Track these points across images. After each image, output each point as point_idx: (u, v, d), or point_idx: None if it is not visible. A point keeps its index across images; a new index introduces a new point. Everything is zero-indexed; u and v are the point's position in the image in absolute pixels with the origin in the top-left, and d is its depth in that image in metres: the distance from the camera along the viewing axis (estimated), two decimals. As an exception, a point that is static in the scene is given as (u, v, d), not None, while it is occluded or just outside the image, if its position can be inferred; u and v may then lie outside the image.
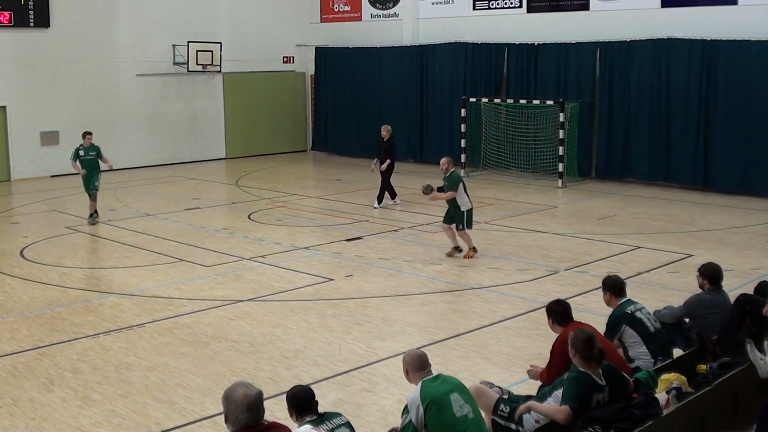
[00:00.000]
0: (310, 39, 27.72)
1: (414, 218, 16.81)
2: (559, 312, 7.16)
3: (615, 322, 7.49)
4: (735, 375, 6.65)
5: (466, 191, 13.56)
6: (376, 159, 18.50)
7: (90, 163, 16.61)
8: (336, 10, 27.38)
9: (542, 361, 7.41)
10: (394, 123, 20.54)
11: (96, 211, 16.84)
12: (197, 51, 24.67)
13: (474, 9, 23.94)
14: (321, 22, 27.75)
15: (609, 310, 7.68)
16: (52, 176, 22.65)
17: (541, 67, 22.30)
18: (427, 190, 14.29)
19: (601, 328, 7.31)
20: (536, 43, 22.32)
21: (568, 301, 7.57)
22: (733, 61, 18.95)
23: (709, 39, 19.31)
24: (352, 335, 10.06)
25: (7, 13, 21.88)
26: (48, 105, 22.81)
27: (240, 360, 9.30)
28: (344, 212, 17.67)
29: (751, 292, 8.11)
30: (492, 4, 23.48)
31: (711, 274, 8.07)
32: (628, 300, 7.65)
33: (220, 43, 25.18)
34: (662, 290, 11.51)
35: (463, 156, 22.50)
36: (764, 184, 18.78)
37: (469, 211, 13.53)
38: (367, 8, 26.53)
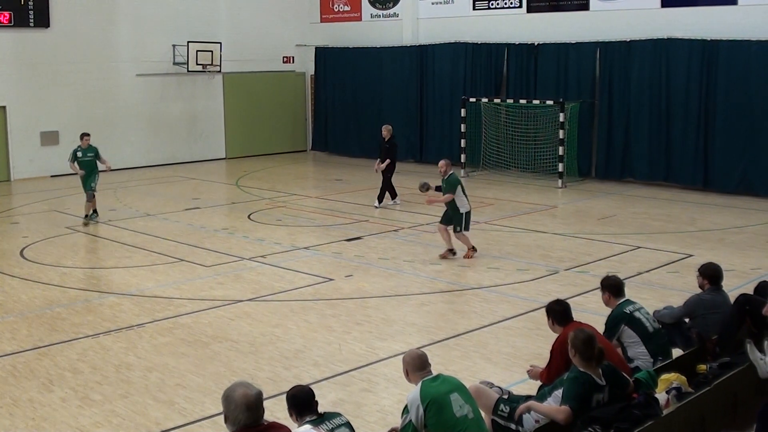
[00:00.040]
0: (310, 39, 27.72)
1: (414, 218, 16.81)
2: (558, 312, 7.16)
3: (614, 323, 7.49)
4: (735, 375, 6.65)
5: (464, 193, 13.55)
6: (378, 159, 18.47)
7: (88, 165, 16.57)
8: (336, 10, 27.38)
9: (542, 361, 7.41)
10: (394, 123, 20.54)
11: (96, 211, 16.84)
12: (197, 51, 24.67)
13: (474, 9, 23.94)
14: (321, 22, 27.76)
15: (609, 310, 7.68)
16: (52, 176, 22.65)
17: (541, 67, 22.30)
18: (424, 187, 14.30)
19: (600, 328, 7.31)
20: (536, 43, 22.32)
21: (567, 301, 7.57)
22: (733, 61, 18.95)
23: (709, 39, 19.31)
24: (352, 335, 10.06)
25: (7, 13, 21.88)
26: (48, 105, 22.81)
27: (240, 360, 9.30)
28: (344, 212, 17.67)
29: (751, 292, 8.11)
30: (492, 4, 23.49)
31: (711, 274, 8.07)
32: (627, 300, 7.64)
33: (220, 43, 25.18)
34: (662, 290, 11.52)
35: (463, 156, 22.51)
36: (764, 184, 18.78)
37: (468, 214, 13.53)
38: (367, 8, 26.53)
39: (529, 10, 22.79)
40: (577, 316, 7.36)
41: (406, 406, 5.92)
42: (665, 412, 6.00)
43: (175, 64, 24.92)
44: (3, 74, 22.04)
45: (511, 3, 23.06)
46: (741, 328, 7.48)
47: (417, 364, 6.05)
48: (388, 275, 12.71)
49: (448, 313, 11.18)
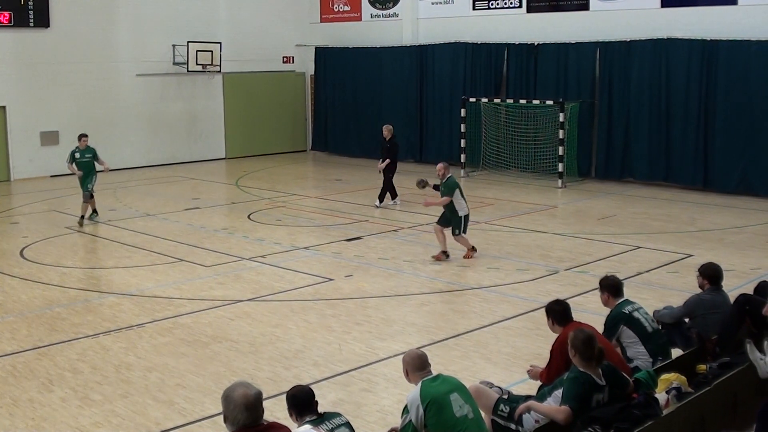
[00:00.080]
0: (309, 39, 27.72)
1: (414, 218, 16.81)
2: (558, 312, 7.16)
3: (613, 323, 7.49)
4: (735, 375, 6.65)
5: (463, 196, 13.53)
6: (381, 159, 18.45)
7: (86, 166, 16.54)
8: (336, 10, 27.38)
9: (542, 361, 7.41)
10: (394, 123, 20.52)
11: (95, 211, 16.85)
12: (197, 51, 24.67)
13: (474, 9, 23.94)
14: (321, 22, 27.75)
15: (608, 311, 7.68)
16: (51, 176, 22.64)
17: (540, 67, 22.30)
18: (421, 184, 14.31)
19: (600, 328, 7.31)
20: (536, 43, 22.32)
21: (567, 301, 7.57)
22: (733, 61, 18.95)
23: (709, 39, 19.31)
24: (352, 335, 10.06)
25: (7, 13, 21.88)
26: (48, 105, 22.81)
27: (240, 360, 9.30)
28: (344, 212, 17.67)
29: (751, 292, 8.11)
30: (492, 4, 23.48)
31: (711, 274, 8.07)
32: (626, 300, 7.64)
33: (220, 43, 25.18)
34: (662, 290, 11.52)
35: (462, 156, 22.51)
36: (764, 184, 18.78)
37: (466, 217, 13.53)
38: (366, 8, 26.53)
39: (529, 10, 22.79)
40: (576, 316, 7.36)
41: (405, 406, 5.92)
42: (665, 412, 6.00)
43: (175, 64, 24.92)
44: (3, 74, 22.04)
45: (511, 3, 23.06)
46: (741, 328, 7.48)
47: (417, 364, 6.06)
48: (387, 275, 12.71)
49: (448, 313, 11.18)
